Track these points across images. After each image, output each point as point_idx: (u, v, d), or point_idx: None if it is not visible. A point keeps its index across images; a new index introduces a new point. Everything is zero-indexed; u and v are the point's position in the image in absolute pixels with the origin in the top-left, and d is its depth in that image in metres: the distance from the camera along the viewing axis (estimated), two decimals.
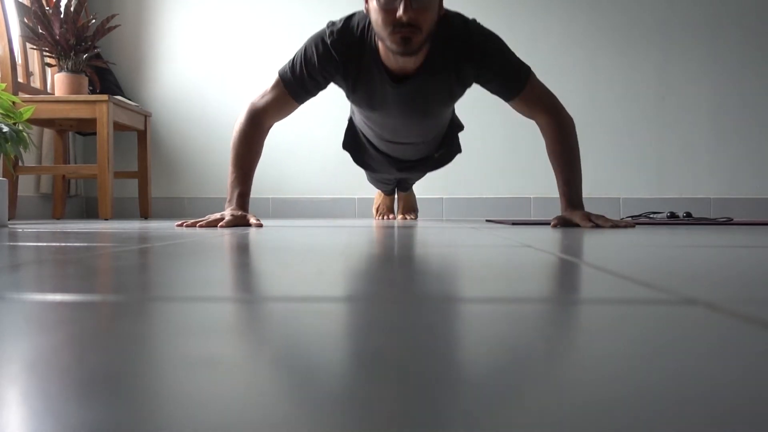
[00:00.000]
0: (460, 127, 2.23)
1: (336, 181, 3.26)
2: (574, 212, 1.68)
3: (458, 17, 1.70)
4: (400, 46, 1.56)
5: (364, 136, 2.14)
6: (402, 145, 2.06)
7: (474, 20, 1.72)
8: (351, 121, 2.22)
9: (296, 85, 1.76)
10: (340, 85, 1.81)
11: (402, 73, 1.70)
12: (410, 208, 2.72)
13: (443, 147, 2.18)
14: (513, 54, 1.72)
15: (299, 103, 1.81)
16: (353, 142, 2.23)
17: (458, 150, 2.27)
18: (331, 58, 1.70)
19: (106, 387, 0.21)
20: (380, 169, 2.26)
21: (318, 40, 1.72)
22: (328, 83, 1.80)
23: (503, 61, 1.70)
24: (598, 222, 1.61)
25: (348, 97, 1.86)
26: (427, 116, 1.87)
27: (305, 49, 1.74)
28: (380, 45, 1.66)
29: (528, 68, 1.74)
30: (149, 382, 0.21)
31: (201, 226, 1.62)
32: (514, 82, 1.72)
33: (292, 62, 1.77)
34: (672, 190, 3.25)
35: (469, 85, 1.79)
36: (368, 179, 2.52)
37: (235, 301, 0.40)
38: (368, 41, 1.69)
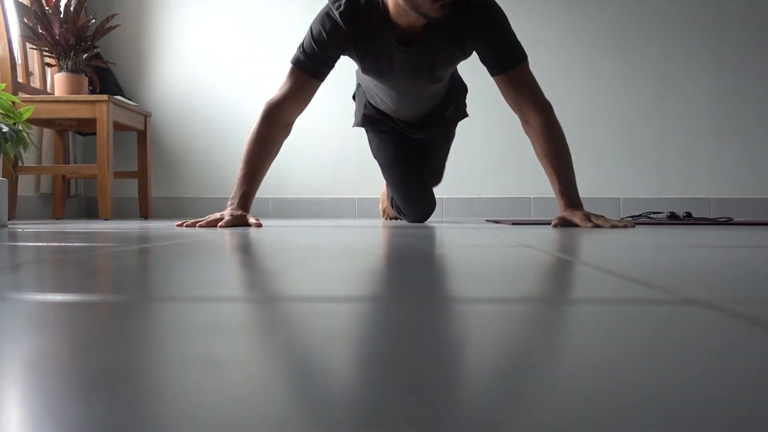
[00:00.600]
0: (464, 88, 2.22)
1: (336, 181, 3.26)
2: (574, 212, 1.67)
3: (491, 3, 1.73)
4: (439, 11, 1.62)
5: (375, 106, 2.17)
6: (412, 106, 2.07)
7: (496, 7, 1.72)
8: (358, 97, 2.24)
9: (311, 62, 1.76)
10: (350, 56, 1.83)
11: (410, 33, 1.75)
12: None
13: (451, 104, 2.16)
14: (512, 33, 1.73)
15: (319, 80, 1.80)
16: (366, 118, 2.21)
17: (464, 113, 2.24)
18: (339, 29, 1.72)
19: (106, 387, 0.21)
20: (394, 143, 2.21)
21: (324, 17, 1.74)
22: (339, 55, 1.81)
23: (500, 34, 1.72)
24: (598, 222, 1.61)
25: (359, 66, 1.89)
26: (431, 78, 1.89)
27: (311, 29, 1.75)
28: (390, 3, 1.68)
29: (524, 53, 1.75)
30: (149, 382, 0.21)
31: (200, 226, 1.62)
32: (507, 56, 1.73)
33: (302, 46, 1.77)
34: (672, 190, 3.25)
35: (470, 51, 1.79)
36: (403, 206, 2.28)
37: (235, 300, 0.40)
38: (376, 2, 1.71)
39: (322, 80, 1.81)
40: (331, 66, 1.80)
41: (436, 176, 2.38)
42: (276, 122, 1.81)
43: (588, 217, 1.64)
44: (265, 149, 1.81)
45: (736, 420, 0.18)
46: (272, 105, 1.80)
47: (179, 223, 1.73)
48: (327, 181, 3.28)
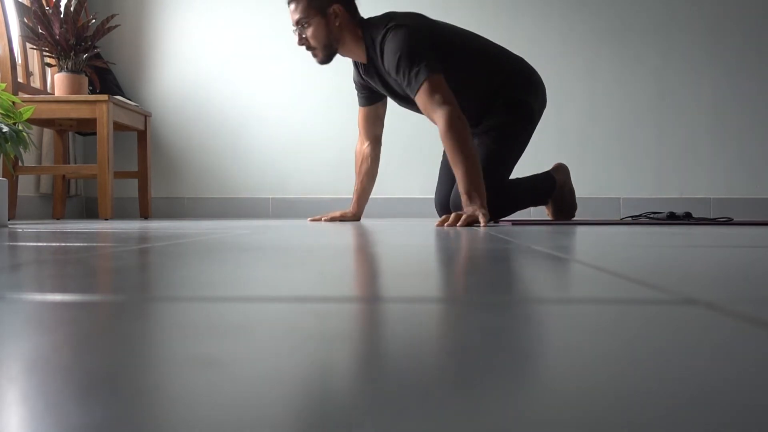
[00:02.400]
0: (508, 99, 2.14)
1: (336, 181, 3.26)
2: (457, 214, 1.77)
3: (383, 21, 1.96)
4: (316, 58, 2.07)
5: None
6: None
7: (394, 25, 1.93)
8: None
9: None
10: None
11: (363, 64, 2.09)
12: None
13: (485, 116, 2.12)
14: (411, 59, 1.87)
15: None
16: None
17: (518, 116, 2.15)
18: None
19: (106, 387, 0.21)
20: None
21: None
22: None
23: (398, 65, 1.90)
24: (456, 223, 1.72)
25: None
26: (405, 98, 2.05)
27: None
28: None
29: (424, 76, 1.86)
30: (149, 382, 0.21)
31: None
32: (410, 84, 1.89)
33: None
34: (672, 190, 3.25)
35: (397, 78, 1.95)
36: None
37: (235, 300, 0.40)
38: None
39: None
40: None
41: None
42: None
43: (459, 217, 1.73)
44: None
45: (736, 420, 0.18)
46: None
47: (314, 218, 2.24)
48: (327, 181, 3.28)
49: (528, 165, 3.16)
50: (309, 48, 2.03)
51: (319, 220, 2.26)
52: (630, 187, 3.26)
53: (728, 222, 2.12)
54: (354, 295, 0.44)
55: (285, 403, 0.19)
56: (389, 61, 1.91)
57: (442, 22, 2.10)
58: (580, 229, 1.54)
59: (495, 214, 2.09)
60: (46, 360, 0.24)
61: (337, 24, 1.99)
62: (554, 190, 2.24)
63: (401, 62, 1.88)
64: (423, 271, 0.59)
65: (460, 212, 1.77)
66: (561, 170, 2.28)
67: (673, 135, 3.26)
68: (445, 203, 2.19)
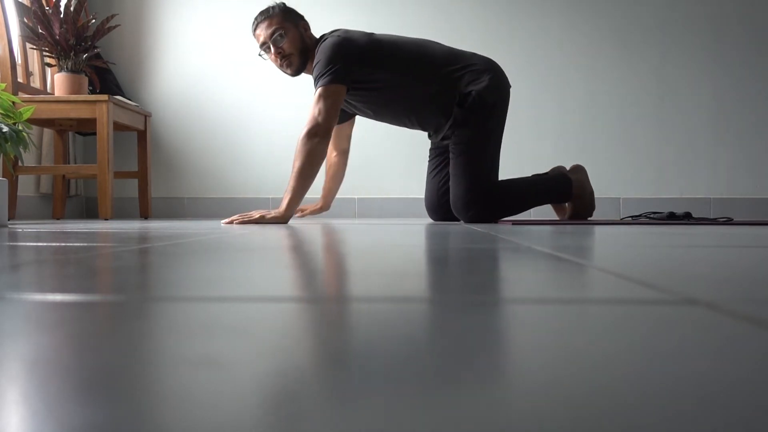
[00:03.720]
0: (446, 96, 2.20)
1: None
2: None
3: (330, 39, 2.11)
4: (287, 69, 2.23)
5: None
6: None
7: (327, 37, 2.12)
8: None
9: None
10: None
11: None
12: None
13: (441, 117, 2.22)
14: (324, 65, 2.05)
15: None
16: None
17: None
18: None
19: (106, 387, 0.21)
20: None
21: None
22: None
23: (315, 70, 2.09)
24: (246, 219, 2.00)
25: None
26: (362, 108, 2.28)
27: None
28: None
29: (325, 80, 2.03)
30: (149, 382, 0.21)
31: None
32: (315, 87, 2.09)
33: None
34: (672, 190, 3.25)
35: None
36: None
37: (235, 300, 0.40)
38: None
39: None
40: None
41: None
42: None
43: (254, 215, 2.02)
44: None
45: (736, 420, 0.18)
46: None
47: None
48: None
49: (528, 164, 3.16)
50: (284, 56, 2.18)
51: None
52: (630, 187, 3.26)
53: (728, 222, 2.12)
54: (351, 295, 0.44)
55: (284, 403, 0.19)
56: (315, 69, 2.09)
57: (390, 37, 2.23)
58: (580, 229, 1.54)
59: (497, 215, 2.12)
60: (46, 360, 0.24)
61: (307, 35, 2.21)
62: (571, 190, 2.25)
63: (316, 67, 2.07)
64: (419, 271, 0.59)
65: (261, 211, 2.07)
66: (578, 171, 2.30)
67: (673, 134, 3.26)
68: (434, 205, 2.36)
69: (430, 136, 2.39)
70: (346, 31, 2.15)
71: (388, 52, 2.13)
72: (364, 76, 2.09)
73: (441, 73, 2.13)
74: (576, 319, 0.34)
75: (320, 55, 2.08)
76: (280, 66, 2.22)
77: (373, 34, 2.19)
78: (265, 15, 2.21)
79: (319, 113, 2.02)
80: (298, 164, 2.06)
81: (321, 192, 2.59)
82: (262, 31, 2.21)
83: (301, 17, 2.24)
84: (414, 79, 2.13)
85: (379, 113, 2.26)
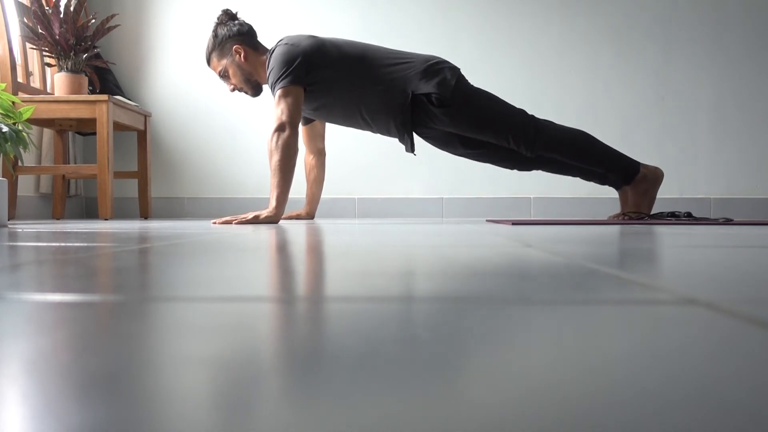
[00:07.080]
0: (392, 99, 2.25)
1: (336, 181, 3.26)
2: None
3: (278, 48, 2.17)
4: (251, 91, 2.36)
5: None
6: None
7: (277, 45, 2.18)
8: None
9: None
10: None
11: None
12: None
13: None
14: (281, 72, 2.11)
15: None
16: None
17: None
18: None
19: (106, 387, 0.21)
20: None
21: None
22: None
23: (270, 77, 2.16)
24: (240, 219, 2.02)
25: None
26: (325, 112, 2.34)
27: None
28: None
29: (281, 84, 2.10)
30: (149, 382, 0.21)
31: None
32: (273, 92, 2.15)
33: None
34: (672, 190, 3.25)
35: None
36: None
37: (235, 300, 0.40)
38: None
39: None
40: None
41: None
42: None
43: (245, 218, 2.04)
44: None
45: (736, 420, 0.18)
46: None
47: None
48: (327, 181, 3.28)
49: None
50: (239, 90, 2.31)
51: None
52: None
53: (728, 222, 2.12)
54: (353, 295, 0.44)
55: (285, 404, 0.19)
56: (269, 77, 2.15)
57: (334, 39, 2.28)
58: (580, 229, 1.54)
59: (541, 146, 2.21)
60: (46, 360, 0.24)
61: (242, 59, 2.26)
62: (636, 175, 2.27)
63: (270, 76, 2.14)
64: (419, 271, 0.59)
65: (256, 212, 2.09)
66: (653, 170, 2.31)
67: (673, 135, 3.26)
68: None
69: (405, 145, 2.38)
70: (291, 38, 2.21)
71: (332, 52, 2.19)
72: (313, 77, 2.16)
73: (384, 71, 2.19)
74: (576, 319, 0.34)
75: (272, 63, 2.14)
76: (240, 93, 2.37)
77: (316, 36, 2.25)
78: (206, 58, 2.31)
79: (282, 112, 2.07)
80: (275, 159, 2.08)
81: (306, 197, 2.64)
82: (214, 71, 2.34)
83: (233, 42, 2.25)
84: (359, 77, 2.19)
85: (332, 114, 2.30)
